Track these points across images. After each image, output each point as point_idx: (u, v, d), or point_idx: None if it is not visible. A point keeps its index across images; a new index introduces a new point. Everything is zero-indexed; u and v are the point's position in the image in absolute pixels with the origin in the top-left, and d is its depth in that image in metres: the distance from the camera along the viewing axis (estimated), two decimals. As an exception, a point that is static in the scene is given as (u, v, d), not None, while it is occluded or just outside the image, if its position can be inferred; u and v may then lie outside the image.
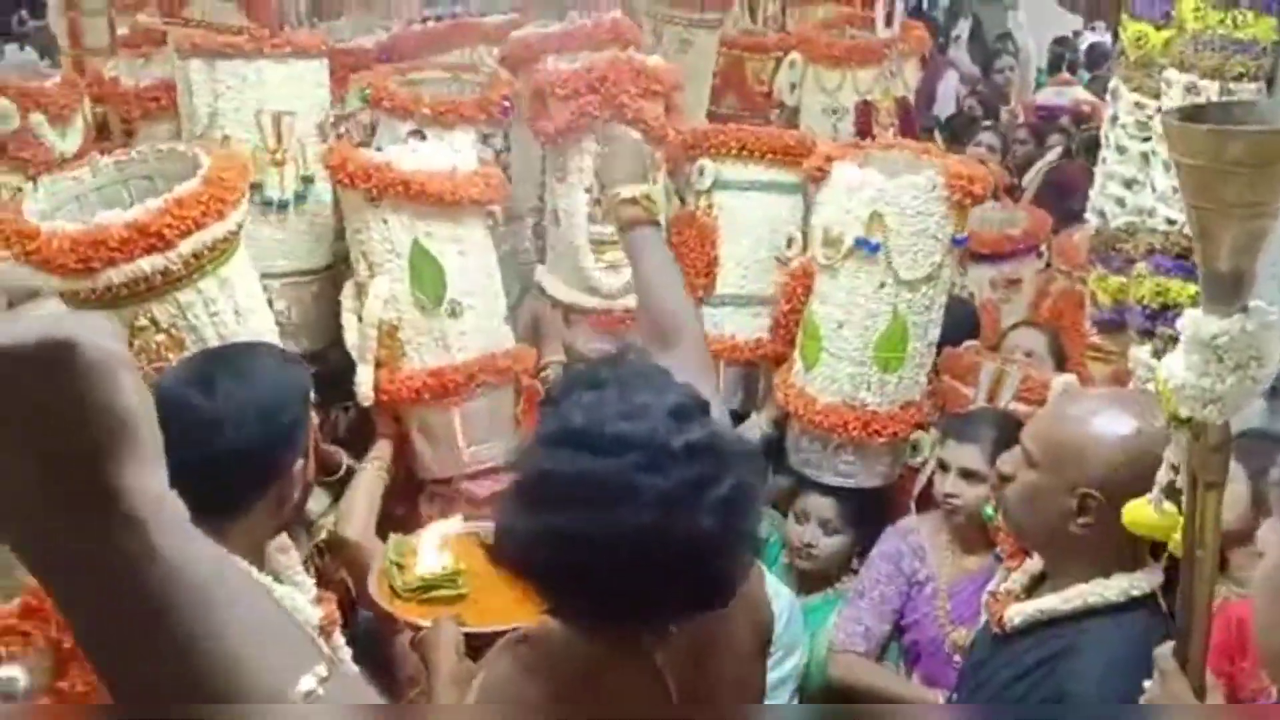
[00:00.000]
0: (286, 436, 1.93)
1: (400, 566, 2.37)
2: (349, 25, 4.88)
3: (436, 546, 2.43)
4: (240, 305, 2.49)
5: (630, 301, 3.36)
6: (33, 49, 5.63)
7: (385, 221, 2.91)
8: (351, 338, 2.93)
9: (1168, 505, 1.68)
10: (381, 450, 2.94)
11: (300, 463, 1.96)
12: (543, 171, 3.62)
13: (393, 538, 2.49)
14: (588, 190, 3.32)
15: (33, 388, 0.63)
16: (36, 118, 3.54)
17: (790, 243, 3.44)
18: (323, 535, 2.74)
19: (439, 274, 2.93)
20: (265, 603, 0.74)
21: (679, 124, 3.47)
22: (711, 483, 1.38)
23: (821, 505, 3.13)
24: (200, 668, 0.68)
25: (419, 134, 3.24)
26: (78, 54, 5.14)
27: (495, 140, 3.53)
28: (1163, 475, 1.66)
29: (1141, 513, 1.70)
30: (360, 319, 2.94)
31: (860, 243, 2.98)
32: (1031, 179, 5.82)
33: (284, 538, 2.04)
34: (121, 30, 5.02)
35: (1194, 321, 1.51)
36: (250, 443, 1.84)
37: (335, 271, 3.19)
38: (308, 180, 3.15)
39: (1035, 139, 6.40)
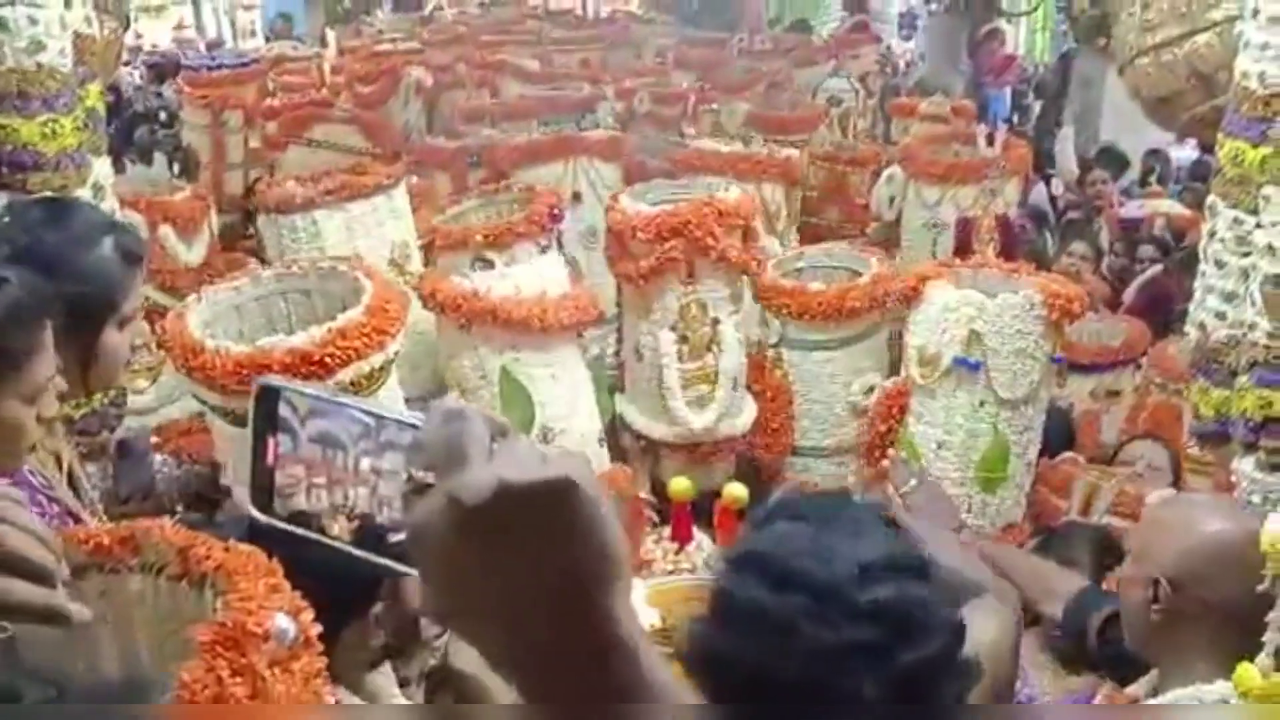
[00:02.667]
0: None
1: None
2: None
3: (642, 602, 2.38)
4: (385, 430, 2.57)
5: (720, 433, 3.38)
6: (161, 155, 5.96)
7: (476, 348, 2.94)
8: None
9: (1276, 674, 1.63)
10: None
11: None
12: (618, 304, 3.66)
13: None
14: (673, 329, 3.33)
15: (537, 521, 0.70)
16: (165, 230, 3.66)
17: (870, 390, 3.41)
18: (433, 661, 2.75)
19: (528, 401, 2.94)
20: None
21: (756, 251, 3.50)
22: (888, 652, 1.22)
23: None
24: None
25: (482, 260, 3.31)
26: (219, 169, 5.45)
27: (552, 249, 3.56)
28: (1271, 638, 1.63)
29: (1248, 676, 1.66)
30: None
31: (959, 361, 2.99)
32: (1130, 294, 5.78)
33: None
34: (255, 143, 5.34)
35: None
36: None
37: (425, 405, 3.25)
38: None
39: (1127, 250, 6.39)
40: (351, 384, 2.37)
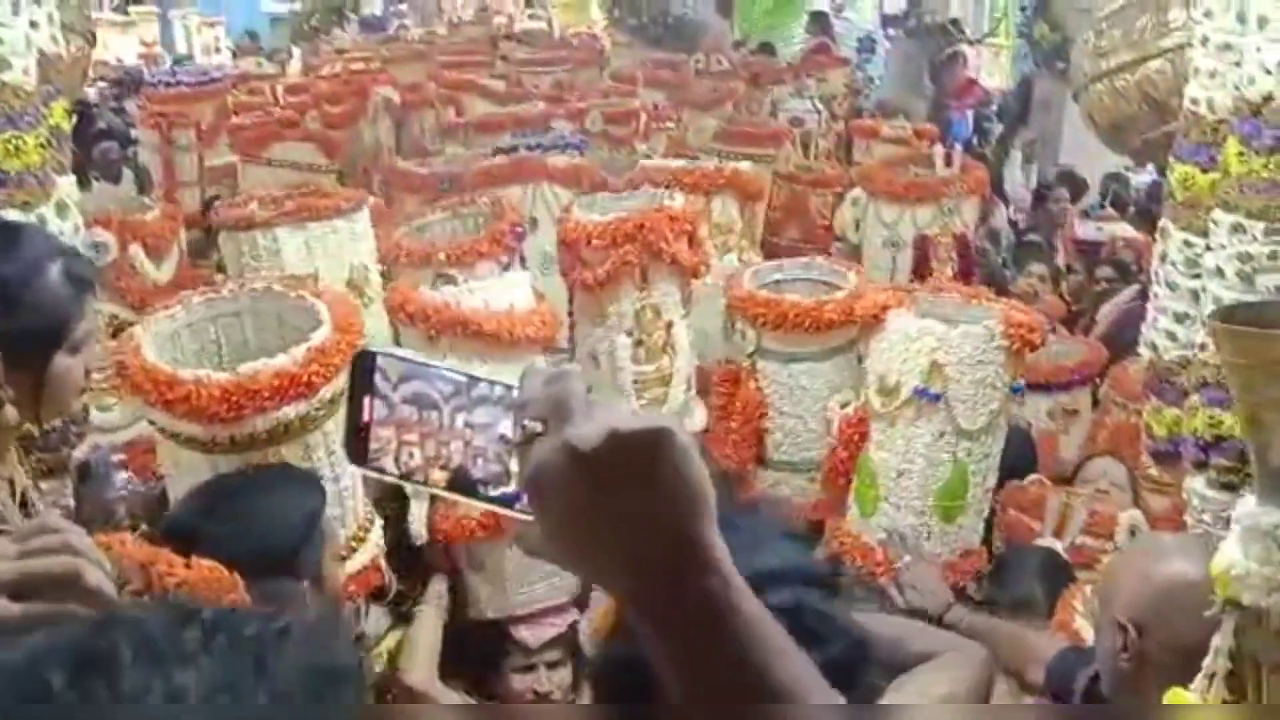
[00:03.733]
0: (284, 562, 1.94)
1: None
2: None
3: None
4: (351, 443, 2.60)
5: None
6: (106, 181, 5.95)
7: (443, 360, 2.93)
8: None
9: (1210, 694, 1.60)
10: (437, 588, 2.94)
11: (303, 584, 1.96)
12: (569, 313, 3.65)
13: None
14: (628, 334, 3.36)
15: (642, 464, 0.80)
16: (134, 249, 3.65)
17: (845, 405, 3.36)
18: (378, 666, 2.72)
19: None
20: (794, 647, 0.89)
21: (701, 255, 3.54)
22: None
23: None
24: (770, 684, 0.85)
25: (445, 277, 3.28)
26: (170, 186, 5.44)
27: (515, 267, 3.55)
28: (1210, 662, 1.60)
29: (1180, 699, 1.63)
30: None
31: (920, 392, 2.96)
32: (1106, 315, 5.79)
33: None
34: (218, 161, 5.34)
35: (1251, 513, 1.51)
36: (244, 568, 1.81)
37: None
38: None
39: (1086, 270, 6.46)
40: (330, 400, 2.40)
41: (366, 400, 0.89)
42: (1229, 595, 1.54)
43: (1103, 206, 7.91)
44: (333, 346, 2.40)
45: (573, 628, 3.10)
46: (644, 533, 0.81)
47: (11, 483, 2.09)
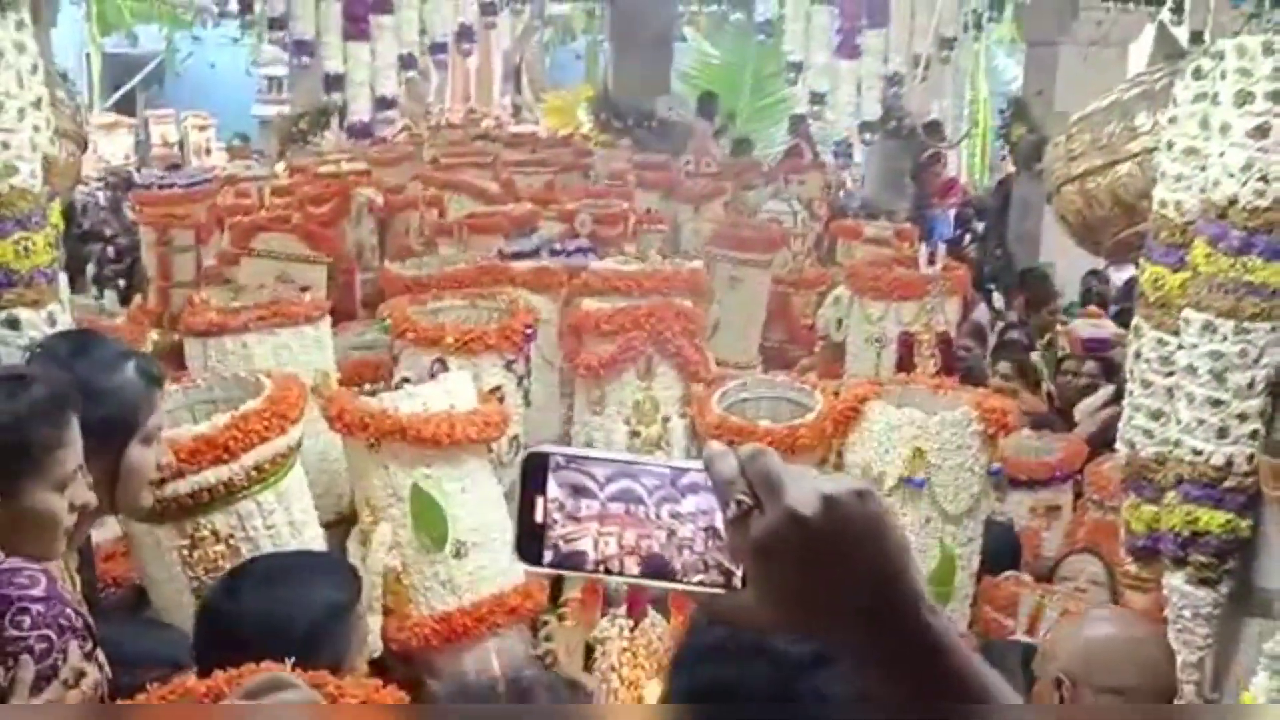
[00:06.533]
0: (303, 648, 1.96)
1: None
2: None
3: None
4: (295, 519, 2.65)
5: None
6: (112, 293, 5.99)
7: (385, 467, 2.91)
8: None
9: None
10: (397, 698, 2.91)
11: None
12: (565, 405, 3.70)
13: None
14: (626, 422, 3.46)
15: (852, 523, 0.87)
16: None
17: None
18: None
19: (440, 515, 2.90)
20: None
21: (704, 358, 3.64)
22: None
23: None
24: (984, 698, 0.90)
25: (441, 363, 3.33)
26: (164, 287, 5.48)
27: (518, 366, 3.55)
28: None
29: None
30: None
31: (905, 480, 3.04)
32: (1084, 417, 5.77)
33: None
34: (209, 262, 5.38)
35: None
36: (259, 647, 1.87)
37: (339, 529, 3.14)
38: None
39: (1075, 369, 6.48)
40: (256, 468, 2.54)
41: (540, 501, 0.89)
42: None
43: (1085, 304, 7.98)
44: (256, 415, 2.55)
45: None
46: (863, 582, 0.88)
47: (73, 577, 2.16)
